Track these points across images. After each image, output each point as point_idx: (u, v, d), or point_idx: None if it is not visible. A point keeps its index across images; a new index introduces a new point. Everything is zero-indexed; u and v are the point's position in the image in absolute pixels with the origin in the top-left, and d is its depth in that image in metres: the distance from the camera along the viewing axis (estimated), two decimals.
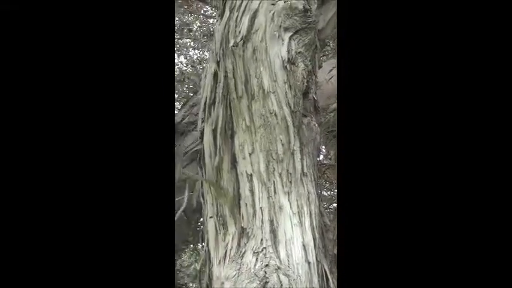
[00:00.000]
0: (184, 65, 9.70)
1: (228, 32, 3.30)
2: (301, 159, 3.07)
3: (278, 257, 2.72)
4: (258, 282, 2.54)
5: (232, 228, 3.02)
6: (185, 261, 7.64)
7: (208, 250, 3.22)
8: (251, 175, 3.01)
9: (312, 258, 2.76)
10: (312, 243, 2.83)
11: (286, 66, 3.12)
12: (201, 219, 3.72)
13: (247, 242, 2.87)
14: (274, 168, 2.99)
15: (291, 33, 3.22)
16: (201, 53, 9.89)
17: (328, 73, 5.36)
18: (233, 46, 3.17)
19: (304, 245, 2.80)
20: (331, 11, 4.03)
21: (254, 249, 2.78)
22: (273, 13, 3.22)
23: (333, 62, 5.53)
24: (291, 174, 2.99)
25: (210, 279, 3.15)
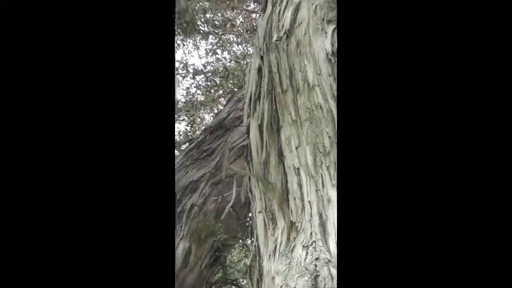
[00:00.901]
0: (228, 60, 9.73)
1: (271, 26, 3.30)
2: None
3: (328, 250, 2.70)
4: (309, 275, 2.53)
5: (281, 223, 3.02)
6: (235, 257, 7.68)
7: (258, 245, 3.24)
8: (298, 169, 3.01)
9: None
10: None
11: (330, 59, 3.11)
12: (250, 215, 3.74)
13: (296, 236, 2.87)
14: (321, 161, 2.98)
15: (334, 26, 3.20)
16: (244, 48, 9.91)
17: None
18: (277, 40, 3.17)
19: None
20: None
21: (304, 243, 2.77)
22: (316, 6, 3.21)
23: None
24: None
25: (261, 274, 3.16)
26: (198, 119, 10.08)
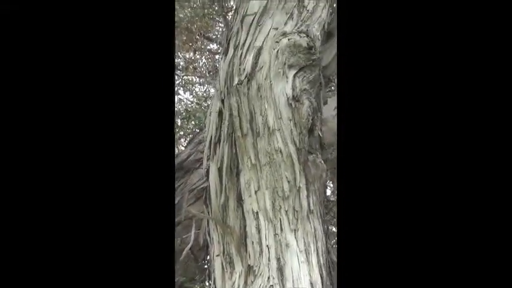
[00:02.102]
0: (190, 102, 9.74)
1: (233, 69, 3.31)
2: (308, 196, 3.07)
3: None
4: None
5: (239, 266, 3.01)
6: None
7: None
8: (257, 213, 3.01)
9: None
10: (319, 281, 2.82)
11: (291, 104, 3.12)
12: (208, 257, 3.71)
13: (254, 280, 2.86)
14: (280, 205, 2.98)
15: (295, 71, 3.23)
16: (206, 89, 9.94)
17: (333, 110, 5.36)
18: (238, 84, 3.18)
19: (311, 283, 2.78)
20: (335, 47, 4.06)
21: (261, 287, 2.76)
22: (277, 51, 3.24)
23: None
24: (297, 211, 2.99)
25: None
26: None
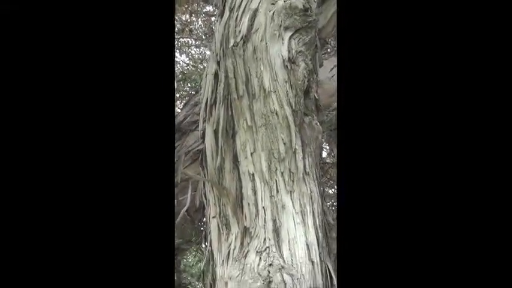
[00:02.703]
0: (185, 64, 9.69)
1: (228, 32, 3.29)
2: (303, 158, 3.07)
3: (281, 256, 2.72)
4: (262, 281, 2.54)
5: (235, 228, 3.02)
6: (189, 261, 7.65)
7: (212, 250, 3.23)
8: (253, 174, 3.01)
9: (315, 257, 2.76)
10: (315, 242, 2.83)
11: (286, 66, 3.11)
12: (204, 219, 3.72)
13: (250, 242, 2.88)
14: (276, 167, 2.99)
15: (291, 33, 3.21)
16: (202, 51, 9.88)
17: (329, 71, 5.34)
18: (233, 46, 3.17)
19: (307, 244, 2.80)
20: (331, 9, 4.03)
21: (257, 248, 2.78)
22: (273, 12, 3.21)
23: (334, 60, 5.49)
24: (293, 173, 2.99)
25: (214, 279, 3.15)
26: None
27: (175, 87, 8.29)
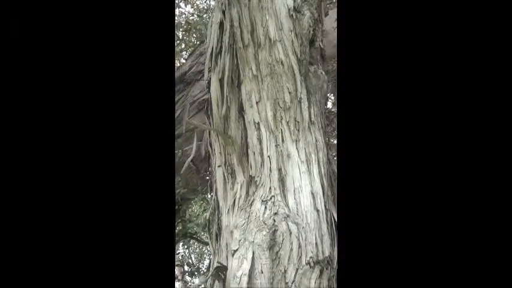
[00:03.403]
0: (190, 14, 9.62)
1: None
2: (309, 107, 3.07)
3: (287, 205, 2.73)
4: (267, 230, 2.55)
5: (240, 177, 3.03)
6: (195, 211, 7.69)
7: (217, 199, 3.25)
8: (258, 124, 3.02)
9: (320, 206, 2.77)
10: (320, 191, 2.84)
11: (292, 15, 3.10)
12: (210, 169, 3.74)
13: (255, 191, 2.89)
14: (281, 116, 2.99)
15: None
16: (207, 1, 9.80)
17: (334, 21, 5.30)
18: None
19: (312, 193, 2.81)
20: None
21: (263, 197, 2.79)
22: None
23: None
24: (298, 122, 3.00)
25: (219, 228, 3.17)
26: None
27: (180, 37, 8.26)
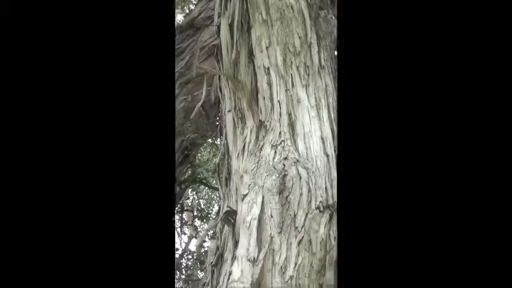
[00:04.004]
0: None
1: None
2: (318, 51, 3.06)
3: (296, 149, 2.73)
4: (277, 175, 2.56)
5: (250, 122, 3.04)
6: (204, 156, 7.73)
7: (227, 144, 3.26)
8: (268, 68, 3.01)
9: (330, 150, 2.78)
10: (330, 136, 2.84)
11: None
12: (219, 114, 3.74)
13: (265, 135, 2.90)
14: (291, 61, 2.98)
15: None
16: None
17: None
18: None
19: (322, 138, 2.80)
20: None
21: (272, 142, 2.80)
22: None
23: None
24: (308, 67, 2.99)
25: (229, 172, 3.19)
26: None
27: None
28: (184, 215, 8.60)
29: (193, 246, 9.92)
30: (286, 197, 2.51)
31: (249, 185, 2.68)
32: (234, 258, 2.58)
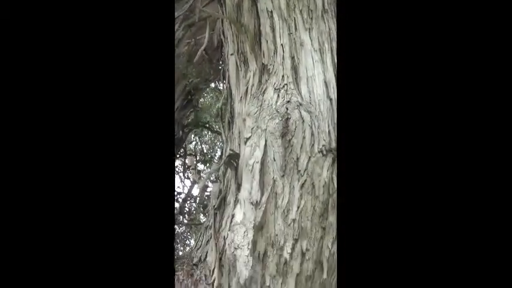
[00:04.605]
0: None
1: None
2: None
3: (299, 93, 2.73)
4: (280, 118, 2.56)
5: (253, 65, 3.03)
6: (207, 101, 7.71)
7: (230, 87, 3.26)
8: (271, 12, 2.99)
9: (333, 94, 2.77)
10: (333, 80, 2.84)
11: None
12: (222, 57, 3.73)
13: (268, 79, 2.89)
14: (294, 4, 2.96)
15: None
16: None
17: None
18: None
19: (325, 82, 2.80)
20: None
21: (275, 85, 2.79)
22: None
23: None
24: (311, 10, 2.97)
25: (232, 116, 3.20)
26: None
27: None
28: (187, 160, 8.63)
29: (196, 190, 9.99)
30: (289, 140, 2.52)
31: (252, 129, 2.69)
32: (236, 201, 2.61)
